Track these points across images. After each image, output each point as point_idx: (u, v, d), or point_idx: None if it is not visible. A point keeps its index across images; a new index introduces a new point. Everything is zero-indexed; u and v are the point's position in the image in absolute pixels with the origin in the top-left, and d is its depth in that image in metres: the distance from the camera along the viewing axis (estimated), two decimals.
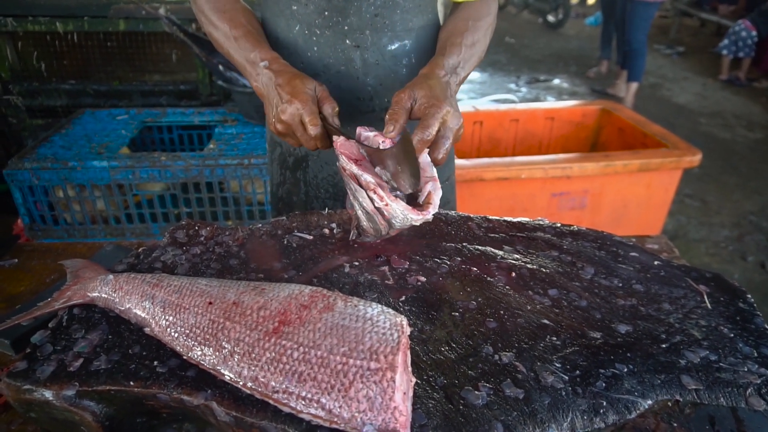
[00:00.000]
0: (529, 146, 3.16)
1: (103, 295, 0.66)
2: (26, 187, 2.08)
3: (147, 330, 0.62)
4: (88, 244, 1.05)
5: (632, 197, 2.60)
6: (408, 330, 0.54)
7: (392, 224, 0.76)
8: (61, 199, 2.12)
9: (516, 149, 3.17)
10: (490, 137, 3.14)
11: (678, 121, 5.06)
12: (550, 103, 3.29)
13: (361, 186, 0.76)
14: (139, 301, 0.63)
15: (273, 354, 0.52)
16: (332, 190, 1.18)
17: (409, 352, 0.54)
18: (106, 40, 2.89)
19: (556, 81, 6.26)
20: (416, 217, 0.74)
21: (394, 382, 0.48)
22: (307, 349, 0.52)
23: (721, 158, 4.26)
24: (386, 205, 0.74)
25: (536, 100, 5.64)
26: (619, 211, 2.62)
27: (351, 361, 0.50)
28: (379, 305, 0.58)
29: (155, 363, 0.60)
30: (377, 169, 0.78)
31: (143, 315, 0.62)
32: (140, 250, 0.82)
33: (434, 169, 0.80)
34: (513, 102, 5.49)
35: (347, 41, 1.02)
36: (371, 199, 0.74)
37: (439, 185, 0.78)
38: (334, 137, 0.82)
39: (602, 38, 6.24)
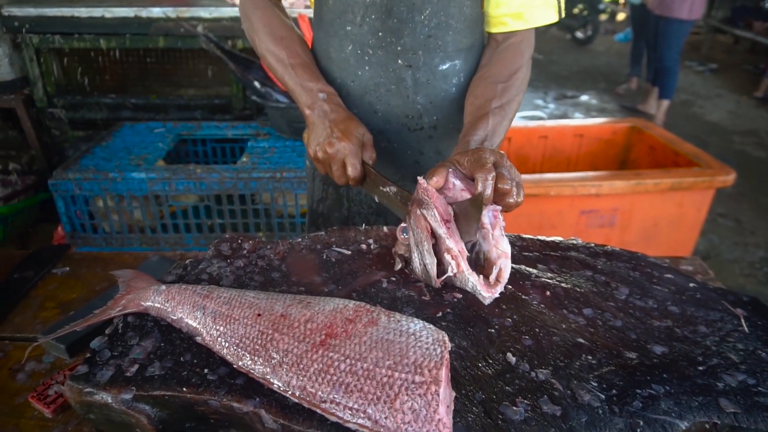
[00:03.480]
0: (557, 163, 3.15)
1: (156, 305, 0.70)
2: (69, 197, 2.16)
3: (198, 339, 0.65)
4: (134, 254, 1.10)
5: (663, 216, 2.57)
6: (449, 345, 0.56)
7: (433, 279, 0.79)
8: (101, 208, 2.20)
9: (544, 166, 3.16)
10: (518, 153, 3.14)
11: (710, 139, 4.98)
12: (579, 120, 3.28)
13: (434, 240, 0.78)
14: (191, 311, 0.67)
15: (320, 365, 0.55)
16: (375, 205, 1.21)
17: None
18: (145, 56, 3.01)
19: (585, 97, 6.23)
20: (486, 294, 0.76)
21: (438, 395, 0.50)
22: (353, 362, 0.54)
23: (756, 177, 4.17)
24: (461, 273, 0.76)
25: (564, 116, 5.61)
26: (649, 230, 2.60)
27: (396, 374, 0.52)
28: (421, 321, 0.60)
29: (206, 371, 0.63)
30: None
31: (195, 324, 0.66)
32: (187, 261, 0.86)
33: (508, 245, 0.80)
34: (541, 118, 5.48)
35: (399, 61, 1.06)
36: (443, 258, 0.77)
37: (510, 262, 0.79)
38: (421, 180, 0.82)
39: (632, 55, 6.20)
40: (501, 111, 0.99)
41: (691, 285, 0.85)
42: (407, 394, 0.51)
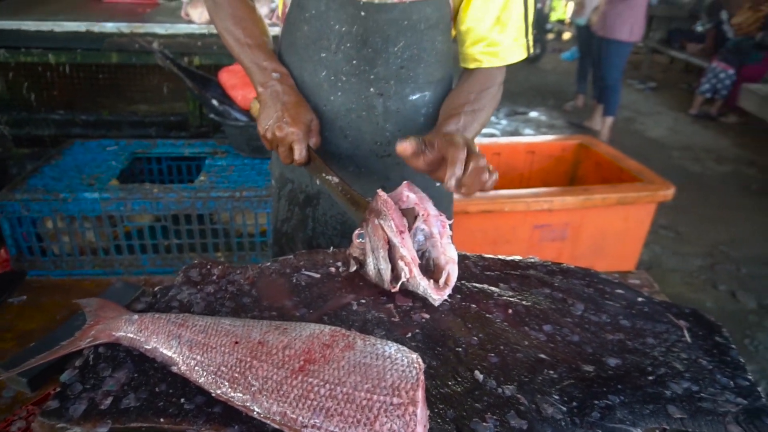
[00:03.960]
0: (510, 179, 3.26)
1: (129, 335, 0.70)
2: (15, 218, 2.08)
3: (174, 368, 0.66)
4: (96, 281, 1.08)
5: (610, 229, 2.70)
6: (423, 367, 0.59)
7: (387, 283, 0.85)
8: (50, 230, 2.12)
9: (498, 182, 3.26)
10: None
11: (652, 154, 5.26)
12: (531, 138, 3.42)
13: (389, 247, 0.83)
14: (166, 341, 0.67)
15: (300, 391, 0.57)
16: (340, 227, 1.23)
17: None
18: (97, 71, 2.93)
19: (534, 114, 6.46)
20: (435, 297, 0.83)
21: (416, 416, 0.53)
22: (333, 386, 0.56)
23: (693, 190, 4.44)
24: (413, 278, 0.81)
25: (516, 132, 5.81)
26: (598, 242, 2.72)
27: (375, 396, 0.55)
28: (395, 344, 0.63)
29: (182, 400, 0.64)
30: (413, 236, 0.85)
31: (170, 354, 0.66)
32: (156, 289, 0.85)
33: (455, 252, 0.86)
34: (494, 135, 5.64)
35: (371, 89, 1.09)
36: (397, 266, 0.82)
37: (456, 267, 0.85)
38: (380, 192, 0.87)
39: (578, 73, 6.49)
40: (473, 113, 1.06)
41: (639, 299, 0.91)
42: (386, 416, 0.53)
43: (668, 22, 9.05)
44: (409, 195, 0.88)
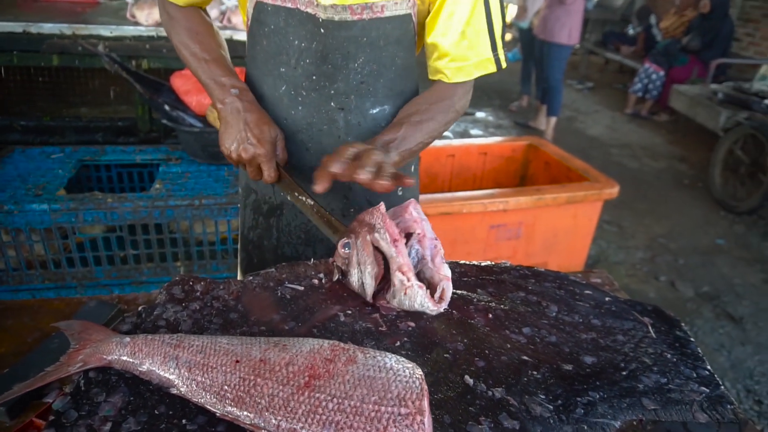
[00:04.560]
0: (464, 180, 3.35)
1: (123, 358, 0.69)
2: None
3: (173, 390, 0.65)
4: (66, 300, 1.04)
5: (561, 227, 2.83)
6: (424, 376, 0.62)
7: (368, 296, 0.88)
8: None
9: (452, 183, 3.35)
10: (428, 172, 3.30)
11: (592, 152, 5.52)
12: (483, 139, 3.52)
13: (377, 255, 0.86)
14: (163, 363, 0.67)
15: (308, 406, 0.58)
16: (304, 236, 1.24)
17: None
18: (36, 74, 2.79)
19: (482, 114, 6.63)
20: (432, 308, 0.85)
21: (424, 424, 0.56)
22: (340, 400, 0.58)
23: (632, 186, 4.69)
24: (410, 287, 0.83)
25: (465, 132, 5.94)
26: (550, 240, 2.84)
27: (383, 408, 0.57)
28: (393, 355, 0.65)
29: (184, 421, 0.64)
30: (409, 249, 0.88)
31: (168, 376, 0.66)
32: (140, 308, 0.84)
33: (448, 270, 0.89)
34: (447, 137, 5.75)
35: (332, 103, 1.10)
36: (394, 278, 0.84)
37: (451, 284, 0.88)
38: (381, 206, 0.89)
39: (522, 75, 6.71)
40: (418, 123, 1.06)
41: (607, 299, 0.98)
42: (395, 427, 0.56)
43: (602, 25, 9.50)
44: (412, 212, 0.90)
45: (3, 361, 0.89)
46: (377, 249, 0.87)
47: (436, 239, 0.92)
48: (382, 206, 0.88)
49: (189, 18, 1.11)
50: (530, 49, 6.14)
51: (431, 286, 0.89)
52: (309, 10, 1.01)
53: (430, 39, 1.11)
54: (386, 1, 1.02)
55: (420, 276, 0.90)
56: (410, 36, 1.10)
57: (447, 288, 0.87)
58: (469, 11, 1.06)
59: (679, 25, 7.32)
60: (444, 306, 0.87)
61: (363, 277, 0.87)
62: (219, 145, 1.05)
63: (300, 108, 1.11)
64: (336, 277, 0.93)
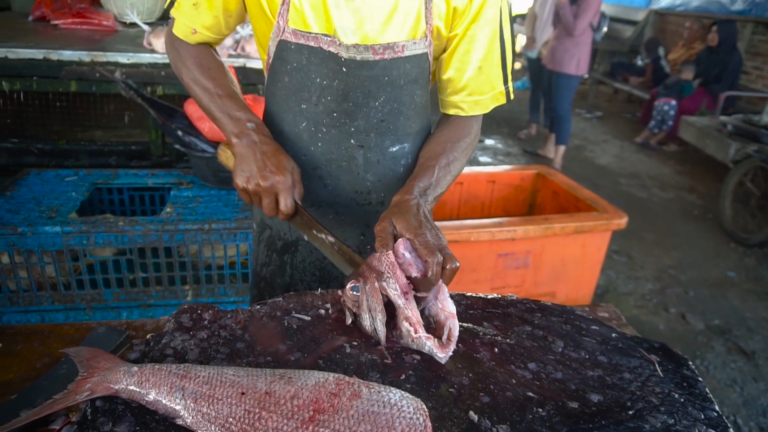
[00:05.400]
0: (472, 208, 3.36)
1: (130, 387, 0.69)
2: None
3: (179, 421, 0.66)
4: (75, 325, 1.05)
5: (569, 256, 2.82)
6: (427, 412, 0.62)
7: (382, 341, 0.88)
8: (7, 265, 2.04)
9: (461, 210, 3.36)
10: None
11: (601, 181, 5.52)
12: (491, 168, 3.54)
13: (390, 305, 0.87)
14: (169, 393, 0.67)
15: None
16: (318, 273, 1.24)
17: None
18: (54, 99, 2.86)
19: (491, 141, 6.67)
20: (441, 355, 0.84)
21: None
22: None
23: (641, 216, 4.68)
24: (418, 338, 0.84)
25: (474, 160, 5.97)
26: (558, 269, 2.83)
27: None
28: (398, 390, 0.66)
29: None
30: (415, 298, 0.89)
31: (174, 407, 0.66)
32: (149, 337, 0.85)
33: (453, 306, 0.90)
34: None
35: (352, 141, 1.11)
36: (401, 326, 0.85)
37: (457, 321, 0.88)
38: (388, 252, 0.89)
39: (531, 103, 6.77)
40: (446, 167, 1.09)
41: (613, 335, 0.98)
42: None
43: (611, 56, 9.59)
44: (406, 254, 0.89)
45: (12, 386, 0.90)
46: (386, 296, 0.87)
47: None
48: (391, 255, 0.88)
49: (199, 54, 1.11)
50: (539, 78, 6.21)
51: (438, 325, 0.89)
52: (331, 49, 1.03)
53: (446, 75, 1.13)
54: (406, 41, 1.04)
55: (424, 312, 0.91)
56: (426, 74, 1.12)
57: (454, 327, 0.87)
58: (486, 47, 1.09)
59: (687, 57, 7.38)
60: (452, 348, 0.86)
61: (374, 323, 0.88)
62: (233, 182, 1.03)
63: (320, 144, 1.12)
64: (349, 320, 0.92)
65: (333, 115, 1.09)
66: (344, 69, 1.04)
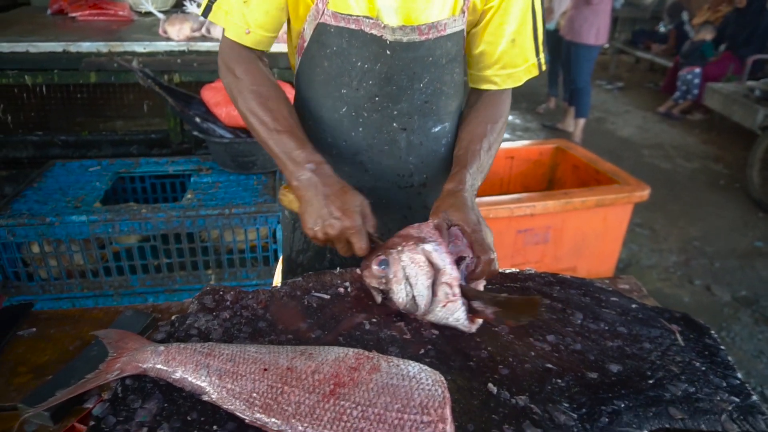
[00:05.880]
0: (491, 184, 3.33)
1: (157, 366, 0.72)
2: (0, 245, 2.05)
3: (205, 397, 0.68)
4: (104, 309, 1.09)
5: (590, 230, 2.79)
6: (446, 384, 0.63)
7: (426, 312, 0.86)
8: (37, 254, 2.10)
9: (480, 187, 3.33)
10: None
11: (624, 153, 5.42)
12: (510, 143, 3.50)
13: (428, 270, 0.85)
14: (195, 371, 0.69)
15: (334, 414, 0.60)
16: (359, 258, 1.24)
17: None
18: (75, 91, 2.91)
19: (509, 117, 6.58)
20: (468, 325, 0.84)
21: None
22: (364, 408, 0.60)
23: (665, 188, 4.59)
24: (454, 301, 0.83)
25: None
26: (579, 243, 2.81)
27: (406, 416, 0.58)
28: (416, 363, 0.67)
29: (215, 427, 0.66)
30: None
31: (200, 384, 0.69)
32: (174, 318, 0.87)
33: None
34: None
35: (394, 124, 1.09)
36: (439, 290, 0.84)
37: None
38: (430, 222, 0.91)
39: (549, 77, 6.64)
40: (489, 150, 1.09)
41: (633, 306, 0.97)
42: None
43: (632, 24, 9.34)
44: (464, 239, 0.91)
45: (47, 368, 0.94)
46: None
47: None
48: (431, 222, 0.90)
49: (255, 80, 1.05)
50: (557, 50, 6.07)
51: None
52: (374, 31, 1.00)
53: (478, 49, 1.12)
54: (447, 19, 1.03)
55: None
56: (462, 51, 1.11)
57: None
58: (519, 19, 1.08)
59: (713, 21, 7.13)
60: (478, 325, 0.86)
61: (415, 290, 0.85)
62: (303, 229, 0.97)
63: (360, 129, 1.10)
64: (379, 299, 0.90)
65: (375, 99, 1.07)
66: (388, 52, 1.02)
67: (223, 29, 1.05)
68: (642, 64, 9.24)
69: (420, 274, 0.85)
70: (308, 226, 0.95)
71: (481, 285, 0.91)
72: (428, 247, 0.85)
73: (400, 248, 0.86)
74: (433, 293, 0.85)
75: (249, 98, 1.03)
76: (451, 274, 0.84)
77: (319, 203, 0.94)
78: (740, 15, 6.34)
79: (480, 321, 0.86)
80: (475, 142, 1.08)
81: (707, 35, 6.52)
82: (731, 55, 6.38)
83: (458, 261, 0.89)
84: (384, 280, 0.88)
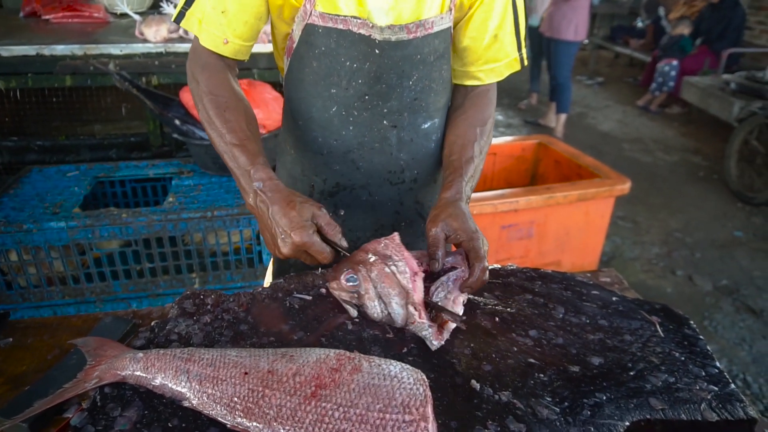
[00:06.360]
0: None
1: (136, 373, 0.71)
2: None
3: (185, 403, 0.67)
4: (83, 317, 1.07)
5: (573, 224, 2.81)
6: (428, 383, 0.63)
7: (399, 324, 0.87)
8: (15, 262, 2.06)
9: None
10: None
11: (605, 148, 5.48)
12: (492, 140, 3.50)
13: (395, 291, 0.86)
14: (175, 377, 0.68)
15: (315, 416, 0.60)
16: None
17: None
18: (50, 95, 2.85)
19: None
20: (435, 342, 0.84)
21: (427, 430, 0.57)
22: (346, 409, 0.59)
23: (646, 181, 4.65)
24: (421, 323, 0.83)
25: None
26: (562, 238, 2.83)
27: (387, 416, 0.58)
28: (399, 363, 0.67)
29: None
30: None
31: (180, 389, 0.68)
32: (153, 323, 0.86)
33: (462, 308, 0.90)
34: None
35: (385, 122, 1.10)
36: (412, 315, 0.84)
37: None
38: (396, 236, 0.91)
39: (531, 73, 6.68)
40: (480, 154, 1.10)
41: (614, 299, 0.98)
42: None
43: (610, 20, 9.44)
44: (456, 257, 0.92)
45: (25, 378, 0.92)
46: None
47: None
48: (396, 237, 0.89)
49: (217, 91, 1.02)
50: (539, 46, 6.12)
51: (437, 316, 0.88)
52: (362, 31, 1.00)
53: (462, 44, 1.13)
54: (435, 17, 1.04)
55: (433, 299, 0.90)
56: (449, 48, 1.12)
57: (451, 326, 0.87)
58: (501, 14, 1.09)
59: (689, 16, 7.23)
60: (443, 341, 0.85)
61: (390, 308, 0.86)
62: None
63: (351, 128, 1.10)
64: (354, 312, 0.89)
65: (365, 98, 1.07)
66: (377, 51, 1.02)
67: (196, 37, 1.04)
68: (621, 60, 9.34)
69: (392, 294, 0.85)
70: (268, 246, 0.95)
71: (462, 297, 0.91)
72: (393, 268, 0.86)
73: (369, 265, 0.87)
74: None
75: (209, 108, 1.01)
76: (413, 298, 0.85)
77: (269, 225, 0.92)
78: (715, 9, 6.44)
79: (446, 336, 0.85)
80: (467, 147, 1.08)
81: (685, 30, 6.62)
82: (707, 49, 6.47)
83: (449, 270, 0.91)
84: (356, 296, 0.87)
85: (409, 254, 0.89)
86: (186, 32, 2.89)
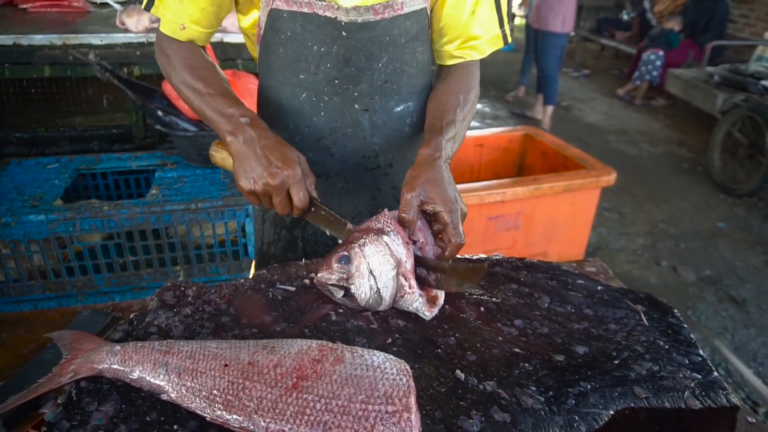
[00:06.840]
0: (462, 172, 3.34)
1: (113, 366, 0.69)
2: None
3: (163, 396, 0.66)
4: (60, 311, 1.05)
5: (560, 216, 2.82)
6: (411, 373, 0.62)
7: (388, 306, 0.86)
8: None
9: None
10: None
11: (591, 139, 5.51)
12: (479, 131, 3.51)
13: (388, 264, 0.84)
14: (153, 369, 0.67)
15: (296, 407, 0.58)
16: (332, 243, 1.22)
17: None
18: (29, 86, 2.79)
19: (478, 105, 6.61)
20: (426, 313, 0.84)
21: (411, 421, 0.56)
22: (328, 400, 0.58)
23: (632, 172, 4.68)
24: (411, 293, 0.83)
25: None
26: (549, 229, 2.84)
27: (370, 407, 0.57)
28: (382, 353, 0.66)
29: (175, 427, 0.64)
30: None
31: (158, 382, 0.66)
32: (132, 316, 0.84)
33: None
34: None
35: (356, 106, 1.08)
36: (403, 286, 0.83)
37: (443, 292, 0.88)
38: (386, 211, 0.89)
39: (523, 65, 6.69)
40: (463, 120, 1.06)
41: (599, 288, 0.98)
42: (383, 424, 0.56)
43: (596, 12, 9.46)
44: (417, 221, 0.89)
45: (1, 374, 0.90)
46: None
47: (436, 246, 0.92)
48: (387, 212, 0.88)
49: (188, 56, 1.03)
50: (529, 39, 6.13)
51: (426, 291, 0.88)
52: (328, 13, 0.99)
53: (440, 22, 1.11)
54: None
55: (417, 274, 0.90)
56: (426, 30, 1.10)
57: (440, 295, 0.88)
58: None
59: (673, 9, 7.28)
60: (436, 311, 0.86)
61: (380, 282, 0.83)
62: (236, 185, 0.94)
63: (322, 114, 1.09)
64: (339, 294, 0.86)
65: (334, 83, 1.06)
66: (344, 33, 1.01)
67: (159, 21, 1.03)
68: (607, 52, 9.39)
69: (384, 264, 0.84)
70: (244, 180, 0.92)
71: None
72: (386, 238, 0.85)
73: (361, 242, 0.85)
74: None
75: (181, 71, 1.01)
76: (406, 266, 0.84)
77: (257, 155, 0.90)
78: (699, 2, 6.49)
79: (438, 308, 0.86)
80: (449, 111, 1.04)
81: (675, 26, 6.65)
82: (691, 42, 6.53)
83: (415, 241, 0.89)
84: (345, 276, 0.85)
85: (399, 226, 0.88)
86: None
